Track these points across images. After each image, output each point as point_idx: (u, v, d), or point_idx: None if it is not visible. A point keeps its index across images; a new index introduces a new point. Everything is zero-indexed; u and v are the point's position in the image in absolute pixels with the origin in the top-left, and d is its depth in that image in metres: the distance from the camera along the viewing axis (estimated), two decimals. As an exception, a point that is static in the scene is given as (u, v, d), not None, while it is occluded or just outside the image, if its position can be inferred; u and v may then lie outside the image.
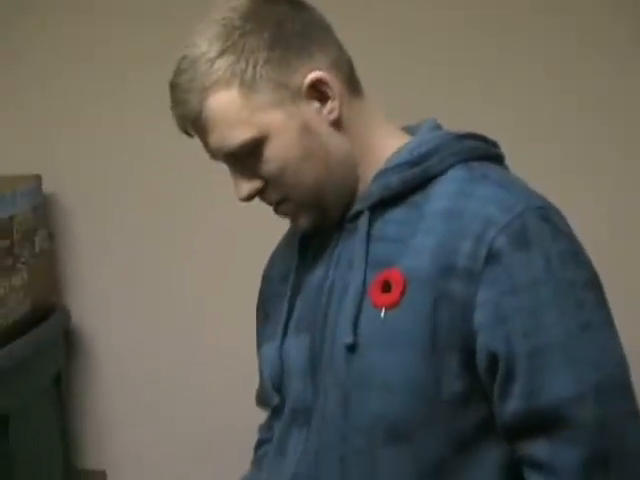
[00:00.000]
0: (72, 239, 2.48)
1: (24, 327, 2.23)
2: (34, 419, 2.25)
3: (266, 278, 1.46)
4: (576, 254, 1.22)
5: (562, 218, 1.25)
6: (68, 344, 2.45)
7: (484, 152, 1.31)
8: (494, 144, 1.34)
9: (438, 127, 1.34)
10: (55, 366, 2.36)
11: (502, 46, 2.24)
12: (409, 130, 1.35)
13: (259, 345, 1.44)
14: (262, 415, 2.34)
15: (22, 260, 2.23)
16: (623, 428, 1.18)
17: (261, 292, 1.47)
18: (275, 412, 1.39)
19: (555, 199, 1.26)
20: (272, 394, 1.36)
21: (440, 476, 1.22)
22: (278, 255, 1.46)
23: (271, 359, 1.35)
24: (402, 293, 1.21)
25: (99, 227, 2.47)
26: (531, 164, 1.58)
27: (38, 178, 2.35)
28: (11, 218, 2.20)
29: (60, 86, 2.46)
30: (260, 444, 1.53)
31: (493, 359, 1.19)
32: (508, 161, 1.35)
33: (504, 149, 1.34)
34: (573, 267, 1.20)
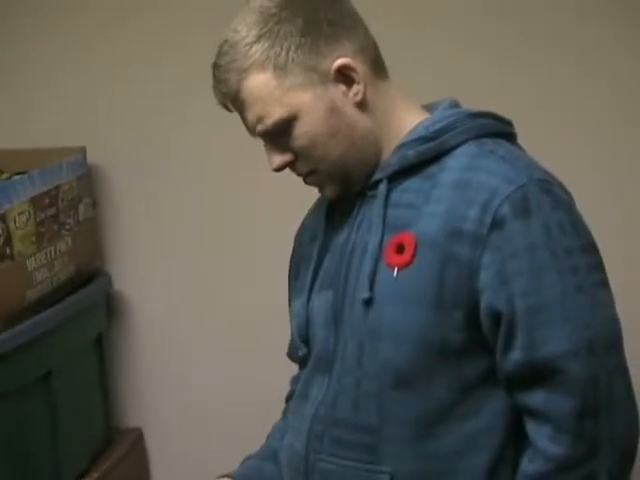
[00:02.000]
0: (114, 208, 2.56)
1: (68, 290, 2.32)
2: (76, 377, 2.35)
3: (297, 241, 1.61)
4: (574, 223, 1.33)
5: (562, 190, 1.38)
6: (109, 307, 2.54)
7: (495, 129, 1.42)
8: (508, 123, 1.46)
9: (455, 105, 1.46)
10: (97, 327, 2.46)
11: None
12: (429, 108, 1.47)
13: (290, 302, 1.58)
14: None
15: (67, 227, 2.32)
16: (611, 381, 1.29)
17: (293, 253, 1.61)
18: (302, 362, 1.53)
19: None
20: (300, 345, 1.50)
21: (443, 421, 1.34)
22: (308, 221, 1.60)
23: (299, 313, 1.50)
24: (413, 255, 1.34)
25: (140, 196, 2.54)
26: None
27: (83, 150, 2.43)
28: (57, 188, 2.28)
29: (104, 57, 2.51)
30: (291, 395, 1.65)
31: (496, 316, 1.31)
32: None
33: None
34: (570, 235, 1.31)
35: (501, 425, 1.34)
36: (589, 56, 2.23)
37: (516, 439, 1.34)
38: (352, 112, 1.40)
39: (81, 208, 2.40)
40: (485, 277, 1.30)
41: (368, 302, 1.36)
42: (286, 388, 2.47)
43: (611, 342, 1.31)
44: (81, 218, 2.40)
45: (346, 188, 1.44)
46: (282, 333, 2.44)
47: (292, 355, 1.64)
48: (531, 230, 1.30)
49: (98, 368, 2.48)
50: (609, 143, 2.24)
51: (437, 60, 2.29)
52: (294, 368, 2.46)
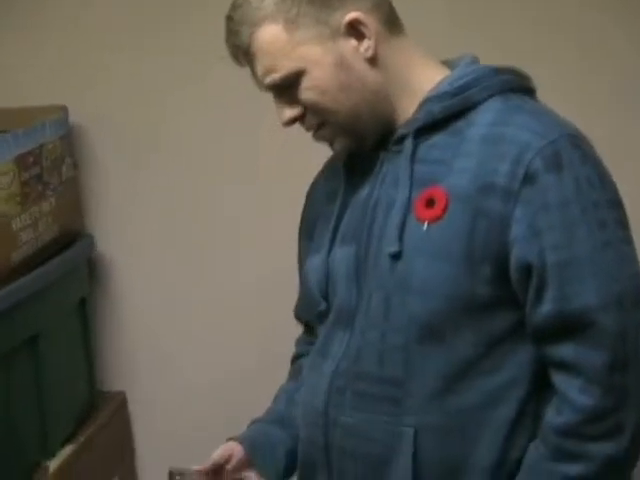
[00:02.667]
0: (96, 169, 2.52)
1: (52, 252, 2.29)
2: (61, 340, 2.32)
3: (310, 199, 1.60)
4: (601, 177, 1.35)
5: (590, 145, 1.38)
6: (92, 271, 2.51)
7: (518, 85, 1.43)
8: (528, 78, 1.46)
9: (476, 61, 1.46)
10: (80, 290, 2.43)
11: None
12: (448, 64, 1.46)
13: (302, 261, 1.57)
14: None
15: (51, 187, 2.28)
16: (638, 335, 1.31)
17: (305, 212, 1.60)
18: (320, 318, 1.50)
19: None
20: (319, 301, 1.48)
21: (469, 374, 1.35)
22: (321, 180, 1.59)
23: (317, 269, 1.48)
24: (444, 209, 1.34)
25: (123, 157, 2.51)
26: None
27: (65, 109, 2.39)
28: (41, 147, 2.24)
29: (88, 18, 2.47)
30: (297, 357, 1.66)
31: (527, 269, 1.32)
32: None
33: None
34: (598, 189, 1.33)
35: (525, 378, 1.35)
36: (591, 45, 2.24)
37: (539, 391, 1.36)
38: (363, 67, 1.39)
39: (64, 168, 2.37)
40: (517, 230, 1.31)
41: (396, 255, 1.36)
42: (272, 354, 2.49)
43: (638, 297, 1.33)
44: (64, 178, 2.37)
45: (357, 143, 1.43)
46: (269, 301, 2.47)
47: (300, 315, 1.63)
48: (563, 184, 1.31)
49: (82, 332, 2.45)
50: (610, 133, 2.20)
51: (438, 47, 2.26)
52: (280, 335, 2.47)
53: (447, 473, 1.37)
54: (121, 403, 2.58)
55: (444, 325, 1.34)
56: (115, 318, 2.59)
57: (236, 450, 1.55)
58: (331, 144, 1.46)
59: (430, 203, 1.35)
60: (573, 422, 1.30)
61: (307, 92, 1.39)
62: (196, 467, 1.53)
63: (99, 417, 2.47)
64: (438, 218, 1.34)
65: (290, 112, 1.42)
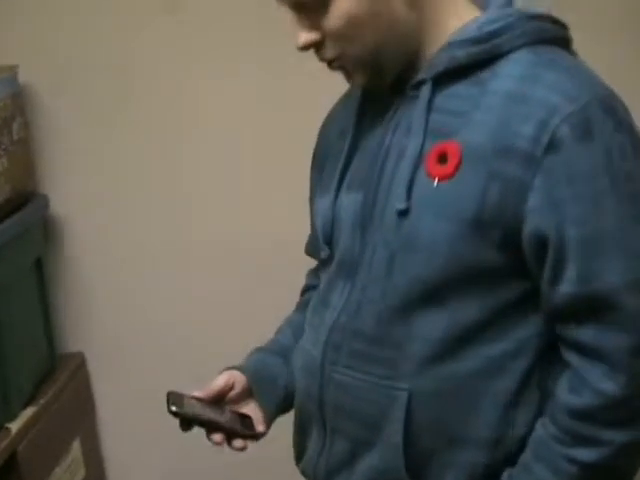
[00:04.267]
0: (49, 129, 2.47)
1: (5, 213, 2.25)
2: (18, 302, 2.30)
3: (323, 134, 1.51)
4: (635, 146, 1.24)
5: (625, 110, 1.27)
6: (46, 231, 2.48)
7: (552, 35, 1.31)
8: (564, 26, 1.35)
9: (509, 3, 1.33)
10: (35, 251, 2.40)
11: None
12: (479, 2, 1.34)
13: (312, 197, 1.50)
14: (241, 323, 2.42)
15: (2, 147, 2.24)
16: None
17: (317, 147, 1.51)
18: (323, 264, 1.45)
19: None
20: (322, 246, 1.42)
21: (470, 341, 1.28)
22: (336, 113, 1.49)
23: (324, 212, 1.41)
24: (457, 167, 1.24)
25: (75, 116, 2.46)
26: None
27: (15, 68, 2.34)
28: (-9, 105, 2.19)
29: None
30: (306, 289, 1.60)
31: (542, 243, 1.23)
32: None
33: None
34: (632, 159, 1.23)
35: (530, 349, 1.28)
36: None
37: (544, 364, 1.29)
38: (397, 3, 1.27)
39: (15, 127, 2.32)
40: (535, 200, 1.21)
41: (403, 212, 1.28)
42: (238, 309, 2.49)
43: None
44: (15, 138, 2.32)
45: (375, 78, 1.32)
46: (232, 257, 2.47)
47: (309, 253, 1.57)
48: (592, 154, 1.21)
49: (39, 293, 2.42)
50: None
51: None
52: (247, 290, 2.48)
53: (441, 441, 1.31)
54: (80, 364, 2.56)
55: (447, 288, 1.27)
56: (72, 278, 2.56)
57: (238, 379, 1.51)
58: (348, 76, 1.35)
59: (442, 158, 1.25)
60: (593, 406, 1.23)
61: (333, 18, 1.26)
62: (196, 393, 1.46)
63: (59, 378, 2.45)
64: (449, 176, 1.25)
65: (308, 36, 1.29)
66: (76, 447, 2.48)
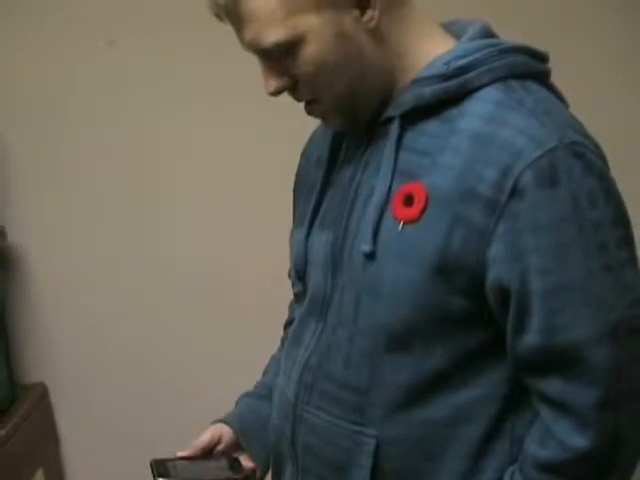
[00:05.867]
0: (6, 161, 2.47)
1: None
2: (-24, 334, 2.29)
3: (304, 157, 1.48)
4: (606, 192, 1.18)
5: (598, 154, 1.21)
6: (3, 261, 2.47)
7: (526, 69, 1.25)
8: (542, 58, 1.29)
9: (485, 34, 1.28)
10: (-8, 283, 2.40)
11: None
12: (455, 31, 1.30)
13: (293, 225, 1.46)
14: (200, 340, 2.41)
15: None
16: (632, 367, 1.18)
17: (298, 170, 1.48)
18: (297, 298, 1.43)
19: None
20: (296, 282, 1.40)
21: (437, 388, 1.24)
22: (317, 138, 1.46)
23: (298, 246, 1.39)
24: (423, 210, 1.20)
25: (28, 145, 2.46)
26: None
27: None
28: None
29: None
30: (289, 323, 1.55)
31: (505, 292, 1.18)
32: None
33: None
34: (601, 206, 1.17)
35: (499, 396, 1.24)
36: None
37: (514, 410, 1.25)
38: (364, 40, 1.23)
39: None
40: (497, 249, 1.17)
41: (369, 255, 1.24)
42: (197, 337, 2.50)
43: (635, 326, 1.19)
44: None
45: (351, 120, 1.30)
46: (187, 280, 2.47)
47: (291, 280, 1.54)
48: (557, 201, 1.15)
49: (-2, 325, 2.41)
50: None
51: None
52: (200, 309, 2.48)
53: None
54: (42, 394, 2.55)
55: (413, 335, 1.23)
56: (31, 308, 2.55)
57: (224, 432, 1.48)
58: (324, 120, 1.33)
59: (409, 201, 1.22)
60: (559, 459, 1.19)
61: (302, 65, 1.23)
62: (180, 453, 1.44)
63: (20, 409, 2.43)
64: (415, 220, 1.21)
65: (278, 83, 1.26)
66: (39, 477, 2.46)
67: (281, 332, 1.59)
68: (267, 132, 2.37)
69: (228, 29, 1.27)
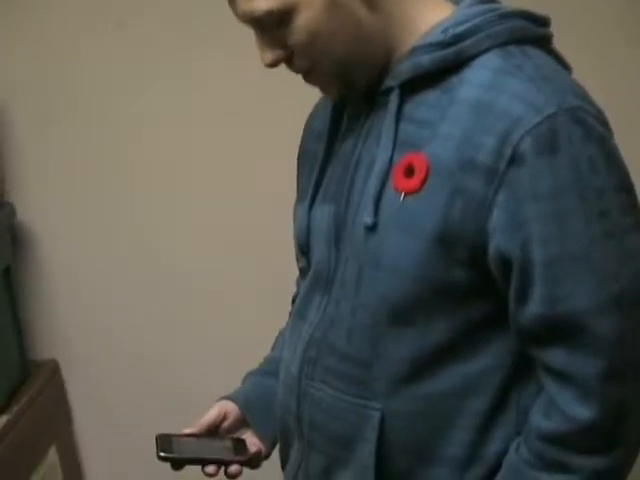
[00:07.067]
0: (14, 137, 2.47)
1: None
2: (-13, 311, 2.29)
3: (306, 130, 1.47)
4: (608, 157, 1.16)
5: (599, 119, 1.18)
6: (15, 239, 2.48)
7: (526, 34, 1.23)
8: (543, 22, 1.27)
9: (481, 0, 1.26)
10: (3, 260, 2.39)
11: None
12: None
13: (296, 199, 1.45)
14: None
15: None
16: (637, 338, 1.17)
17: (301, 142, 1.47)
18: (301, 273, 1.43)
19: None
20: (299, 257, 1.40)
21: (440, 360, 1.24)
22: (318, 111, 1.44)
23: (300, 221, 1.38)
24: (423, 181, 1.19)
25: (38, 124, 2.46)
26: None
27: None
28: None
29: None
30: (296, 297, 1.53)
31: (506, 262, 1.17)
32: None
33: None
34: (603, 172, 1.15)
35: (504, 367, 1.23)
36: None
37: (520, 381, 1.25)
38: (358, 8, 1.21)
39: (-22, 137, 2.32)
40: (498, 218, 1.16)
41: (371, 227, 1.23)
42: (205, 310, 2.51)
43: (639, 295, 1.17)
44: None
45: (348, 88, 1.29)
46: (197, 259, 2.48)
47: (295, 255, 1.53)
48: (557, 168, 1.13)
49: (8, 301, 2.41)
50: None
51: None
52: (212, 288, 2.49)
53: (415, 461, 1.28)
54: (53, 370, 2.56)
55: (415, 308, 1.22)
56: (42, 285, 2.56)
57: (230, 409, 1.48)
58: (322, 89, 1.31)
59: (409, 171, 1.20)
60: (563, 431, 1.18)
61: (295, 35, 1.22)
62: (187, 430, 1.44)
63: (32, 386, 2.45)
64: (416, 190, 1.19)
65: (273, 54, 1.25)
66: (52, 454, 2.48)
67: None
68: (268, 131, 2.37)
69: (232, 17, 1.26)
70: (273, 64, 1.27)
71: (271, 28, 1.23)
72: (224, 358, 2.46)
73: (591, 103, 1.20)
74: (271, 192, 2.33)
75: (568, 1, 2.15)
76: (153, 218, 2.51)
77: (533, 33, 1.24)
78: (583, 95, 1.20)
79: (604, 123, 1.20)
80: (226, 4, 1.26)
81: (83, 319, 2.58)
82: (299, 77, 1.30)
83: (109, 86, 2.44)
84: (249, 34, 1.28)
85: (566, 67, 1.28)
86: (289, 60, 1.26)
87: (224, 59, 2.34)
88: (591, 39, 2.15)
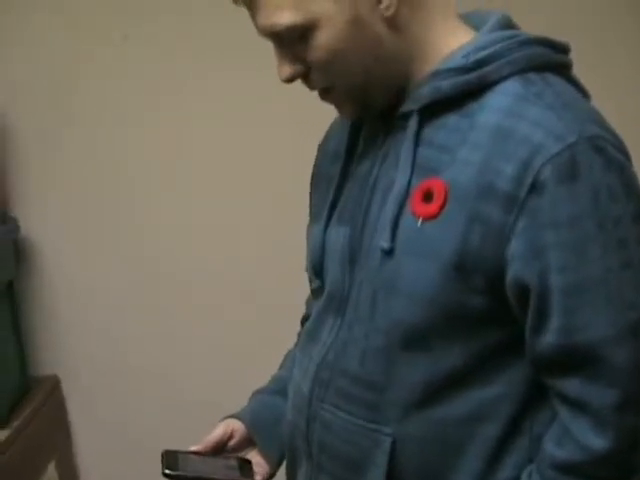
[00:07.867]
0: (19, 152, 2.48)
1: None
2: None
3: (321, 151, 1.45)
4: (627, 186, 1.16)
5: (619, 148, 1.18)
6: (18, 254, 2.47)
7: (546, 61, 1.23)
8: (563, 49, 1.26)
9: (505, 25, 1.25)
10: (6, 274, 2.39)
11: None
12: (474, 20, 1.28)
13: (310, 220, 1.44)
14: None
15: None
16: None
17: (315, 164, 1.46)
18: (314, 294, 1.41)
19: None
20: (312, 278, 1.38)
21: (454, 386, 1.22)
22: (334, 132, 1.43)
23: (314, 242, 1.36)
24: (441, 206, 1.18)
25: (41, 139, 2.47)
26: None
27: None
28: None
29: None
30: (306, 319, 1.52)
31: (524, 290, 1.16)
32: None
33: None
34: (622, 201, 1.15)
35: (518, 394, 1.22)
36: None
37: (533, 408, 1.23)
38: (380, 28, 1.20)
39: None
40: (517, 246, 1.14)
41: (387, 252, 1.22)
42: (205, 330, 2.51)
43: None
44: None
45: (365, 108, 1.27)
46: (200, 276, 2.48)
47: (308, 274, 1.50)
48: (577, 197, 1.12)
49: (11, 316, 2.42)
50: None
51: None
52: (206, 297, 2.49)
53: None
54: (54, 386, 2.56)
55: (430, 333, 1.21)
56: (44, 300, 2.56)
57: (236, 427, 1.46)
58: (338, 108, 1.29)
59: (428, 197, 1.19)
60: (576, 460, 1.17)
61: (315, 51, 1.20)
62: (193, 447, 1.42)
63: (32, 401, 2.45)
64: (434, 216, 1.18)
65: (290, 69, 1.23)
66: (52, 469, 2.48)
67: (289, 332, 1.58)
68: (269, 132, 2.38)
69: (239, 24, 1.26)
70: (290, 79, 1.25)
71: (291, 43, 1.22)
72: (225, 371, 2.47)
73: (610, 131, 1.19)
74: (271, 193, 2.35)
75: (587, 26, 2.16)
76: (155, 232, 2.52)
77: (553, 60, 1.24)
78: (602, 123, 1.19)
79: (624, 151, 1.19)
80: (227, 8, 1.26)
81: (85, 335, 2.57)
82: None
83: (109, 99, 2.45)
84: (250, 40, 1.27)
85: (585, 94, 1.28)
86: (306, 76, 1.24)
87: (224, 60, 2.35)
88: (609, 66, 2.16)
